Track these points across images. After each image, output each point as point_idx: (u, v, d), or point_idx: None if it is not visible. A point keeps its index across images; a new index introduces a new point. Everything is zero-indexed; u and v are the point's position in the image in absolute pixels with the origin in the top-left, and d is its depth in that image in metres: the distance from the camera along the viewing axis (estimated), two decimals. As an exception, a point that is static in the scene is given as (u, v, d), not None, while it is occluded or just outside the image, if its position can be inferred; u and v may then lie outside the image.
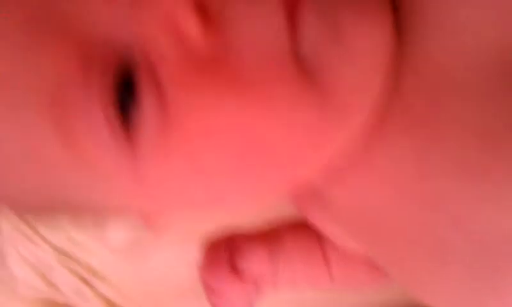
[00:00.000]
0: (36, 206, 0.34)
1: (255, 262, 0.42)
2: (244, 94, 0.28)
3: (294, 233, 0.43)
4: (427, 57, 0.30)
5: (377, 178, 0.32)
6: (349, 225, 0.36)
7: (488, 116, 0.29)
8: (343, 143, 0.32)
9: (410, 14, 0.31)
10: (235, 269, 0.42)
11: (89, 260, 0.60)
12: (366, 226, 0.34)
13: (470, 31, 0.29)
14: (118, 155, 0.28)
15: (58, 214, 0.36)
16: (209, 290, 0.43)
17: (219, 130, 0.28)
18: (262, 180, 0.32)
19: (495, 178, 0.28)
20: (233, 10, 0.27)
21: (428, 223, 0.31)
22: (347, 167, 0.33)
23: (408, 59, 0.31)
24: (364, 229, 0.35)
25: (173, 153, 0.28)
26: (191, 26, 0.27)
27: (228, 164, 0.29)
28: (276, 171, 0.31)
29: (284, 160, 0.31)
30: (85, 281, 0.60)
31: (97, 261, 0.60)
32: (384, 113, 0.31)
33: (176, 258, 0.57)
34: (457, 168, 0.29)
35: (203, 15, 0.27)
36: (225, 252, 0.42)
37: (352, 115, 0.31)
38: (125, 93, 0.27)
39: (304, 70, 0.28)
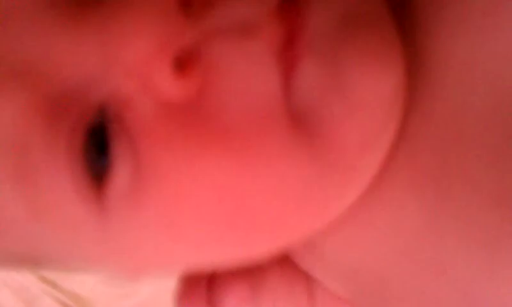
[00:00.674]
0: (6, 262, 0.32)
1: (234, 296, 0.39)
2: (227, 152, 0.25)
3: (280, 268, 0.40)
4: (438, 104, 0.27)
5: (377, 235, 0.29)
6: (341, 279, 0.33)
7: (501, 178, 0.25)
8: (345, 205, 0.28)
9: (423, 56, 0.27)
10: (212, 302, 0.39)
11: (75, 288, 0.59)
12: (360, 283, 0.31)
13: (487, 82, 0.26)
14: (86, 212, 0.26)
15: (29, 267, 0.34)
16: None
17: (198, 192, 0.25)
18: (247, 245, 0.29)
19: (507, 246, 0.25)
20: (216, 57, 0.24)
21: (433, 290, 0.28)
22: (342, 218, 0.29)
23: (417, 103, 0.27)
24: (357, 285, 0.32)
25: (146, 214, 0.26)
26: (167, 80, 0.24)
27: (207, 228, 0.27)
28: (264, 237, 0.28)
29: (274, 226, 0.27)
30: (71, 309, 0.59)
31: (83, 289, 0.59)
32: (387, 162, 0.27)
33: (162, 286, 0.56)
34: (468, 234, 0.26)
35: (181, 63, 0.24)
36: (203, 282, 0.39)
37: (357, 174, 0.27)
38: (94, 147, 0.25)
39: (301, 122, 0.25)
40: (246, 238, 0.28)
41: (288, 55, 0.24)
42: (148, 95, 0.25)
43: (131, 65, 0.24)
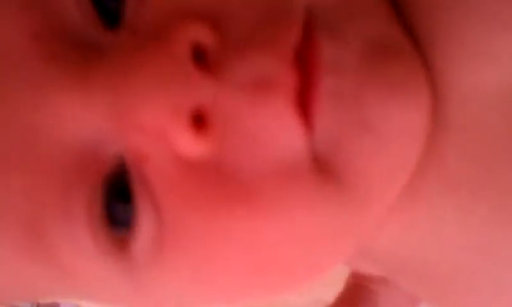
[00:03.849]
0: None
1: None
2: (252, 206, 0.24)
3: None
4: (464, 115, 0.26)
5: (419, 233, 0.29)
6: (395, 272, 0.33)
7: None
8: (373, 222, 0.28)
9: (445, 70, 0.26)
10: None
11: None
12: (413, 273, 0.31)
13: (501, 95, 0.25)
14: (111, 268, 0.25)
15: None
16: None
17: (223, 244, 0.25)
18: (274, 286, 0.28)
19: None
20: (233, 113, 0.23)
21: (480, 267, 0.28)
22: (385, 222, 0.28)
23: (443, 119, 0.26)
24: (411, 275, 0.32)
25: (171, 265, 0.25)
26: (184, 137, 0.23)
27: (234, 277, 0.26)
28: (291, 277, 0.28)
29: (307, 269, 0.27)
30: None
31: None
32: (419, 174, 0.27)
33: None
34: (503, 216, 0.27)
35: (198, 120, 0.23)
36: None
37: (381, 203, 0.27)
38: (116, 198, 0.25)
39: (326, 167, 0.24)
40: (274, 281, 0.27)
41: (307, 102, 0.23)
42: (166, 152, 0.24)
43: (145, 124, 0.23)
